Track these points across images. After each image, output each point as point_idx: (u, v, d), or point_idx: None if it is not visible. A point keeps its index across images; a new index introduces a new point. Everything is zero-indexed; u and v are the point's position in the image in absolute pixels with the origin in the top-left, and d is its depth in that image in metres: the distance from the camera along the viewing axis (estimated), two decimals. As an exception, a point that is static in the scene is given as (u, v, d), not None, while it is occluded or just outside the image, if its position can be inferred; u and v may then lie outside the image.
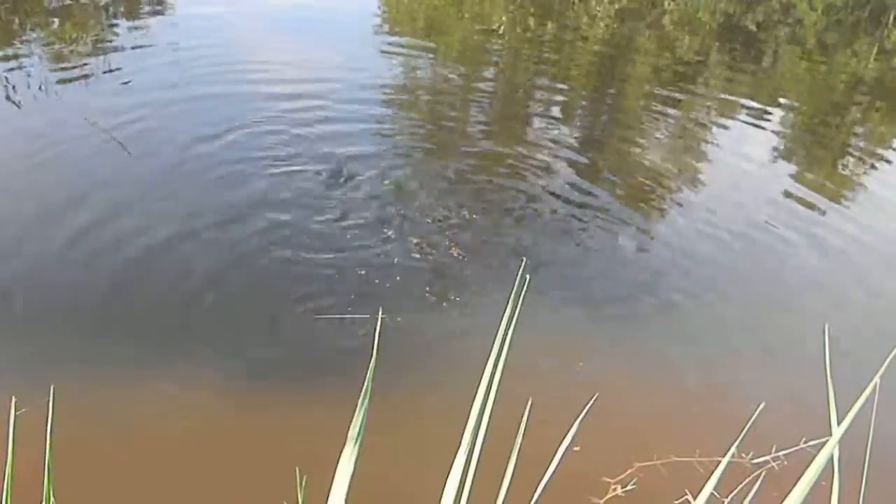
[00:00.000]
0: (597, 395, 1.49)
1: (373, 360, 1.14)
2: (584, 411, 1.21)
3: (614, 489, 3.28)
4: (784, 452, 3.36)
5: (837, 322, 4.72)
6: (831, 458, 1.09)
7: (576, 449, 3.33)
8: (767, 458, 3.35)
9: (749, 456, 3.39)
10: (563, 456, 1.18)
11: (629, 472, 3.37)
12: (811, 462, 1.07)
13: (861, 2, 17.26)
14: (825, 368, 1.29)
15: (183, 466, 3.32)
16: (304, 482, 1.49)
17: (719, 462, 3.24)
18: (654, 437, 3.63)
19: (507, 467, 1.17)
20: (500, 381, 1.15)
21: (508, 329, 1.12)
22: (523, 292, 1.08)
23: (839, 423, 1.16)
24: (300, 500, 1.53)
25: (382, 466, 2.82)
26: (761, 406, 1.28)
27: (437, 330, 4.35)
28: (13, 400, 1.26)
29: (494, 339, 1.14)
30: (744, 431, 1.16)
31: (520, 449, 1.16)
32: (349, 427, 1.18)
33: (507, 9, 14.20)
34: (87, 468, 3.15)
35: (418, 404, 3.80)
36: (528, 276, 1.08)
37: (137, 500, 3.13)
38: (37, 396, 1.89)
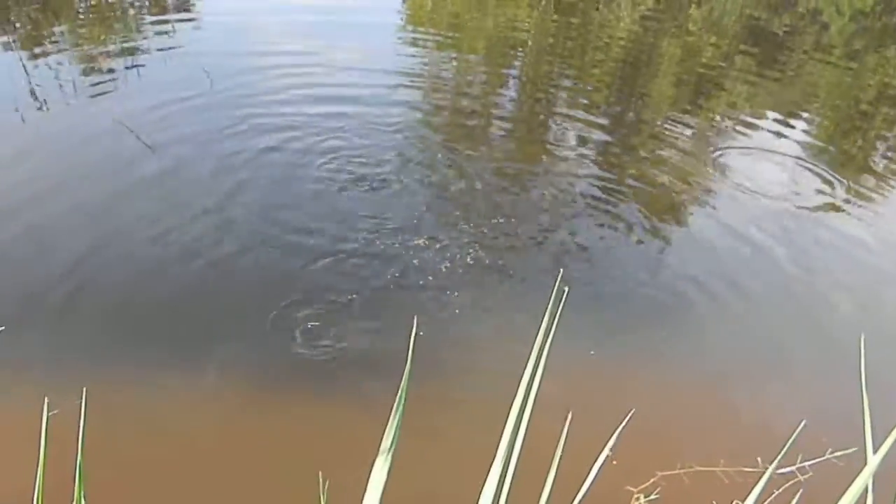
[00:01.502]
0: (633, 410, 1.48)
1: (407, 368, 1.12)
2: (621, 427, 1.20)
3: (637, 498, 3.25)
4: (810, 463, 3.32)
5: (869, 333, 4.65)
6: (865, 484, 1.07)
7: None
8: (793, 468, 3.31)
9: (773, 466, 3.35)
10: (599, 470, 1.17)
11: (652, 480, 3.35)
12: (846, 490, 1.05)
13: (889, 8, 17.07)
14: (860, 381, 1.27)
15: (208, 468, 3.34)
16: (326, 487, 1.49)
17: (742, 472, 3.20)
18: (677, 446, 3.61)
19: (546, 480, 1.16)
20: (537, 392, 1.14)
21: (546, 341, 1.11)
22: (561, 304, 1.07)
23: (874, 438, 1.13)
24: (323, 504, 1.53)
25: (414, 477, 2.82)
26: (802, 424, 1.26)
27: (465, 337, 4.35)
28: (45, 401, 1.27)
29: (531, 348, 1.13)
30: (785, 448, 1.15)
31: (559, 462, 1.15)
32: (382, 436, 1.17)
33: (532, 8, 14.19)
34: (115, 470, 3.18)
35: (450, 413, 3.79)
36: (566, 288, 1.07)
37: (164, 500, 3.16)
38: (68, 398, 1.91)
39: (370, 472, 1.18)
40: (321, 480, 1.59)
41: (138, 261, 4.71)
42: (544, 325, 1.10)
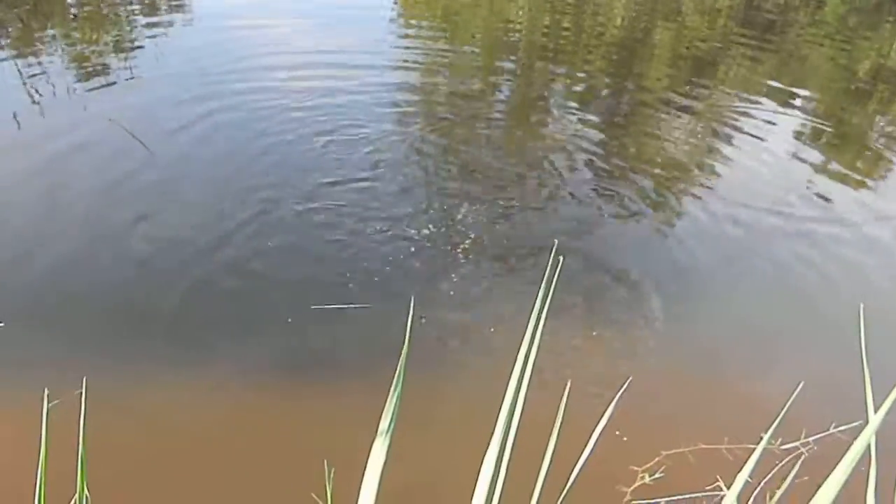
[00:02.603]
0: (630, 378, 1.47)
1: (405, 349, 1.12)
2: (619, 394, 1.20)
3: (642, 477, 3.26)
4: (814, 438, 3.32)
5: (868, 308, 4.64)
6: (867, 444, 1.06)
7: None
8: (797, 443, 3.32)
9: (778, 442, 3.36)
10: (596, 441, 1.17)
11: (656, 460, 3.35)
12: (847, 449, 1.05)
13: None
14: (861, 350, 1.26)
15: (213, 459, 3.34)
16: (332, 475, 1.49)
17: (747, 449, 3.21)
18: (680, 425, 3.61)
19: (545, 454, 1.15)
20: (533, 368, 1.13)
21: (542, 311, 1.11)
22: (557, 273, 1.06)
23: (875, 406, 1.13)
24: (329, 493, 1.53)
25: (415, 456, 2.82)
26: (799, 387, 1.25)
27: (463, 320, 4.34)
28: (45, 392, 1.26)
29: (527, 323, 1.13)
30: (779, 417, 1.14)
31: (558, 436, 1.14)
32: (380, 418, 1.17)
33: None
34: (118, 461, 3.18)
35: (449, 392, 3.80)
36: (561, 258, 1.06)
37: (168, 491, 3.16)
38: (69, 389, 1.90)
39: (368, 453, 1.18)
40: (327, 468, 1.59)
41: (137, 255, 4.70)
42: (540, 295, 1.10)
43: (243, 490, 3.21)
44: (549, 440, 1.14)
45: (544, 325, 1.12)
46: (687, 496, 3.13)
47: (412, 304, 1.09)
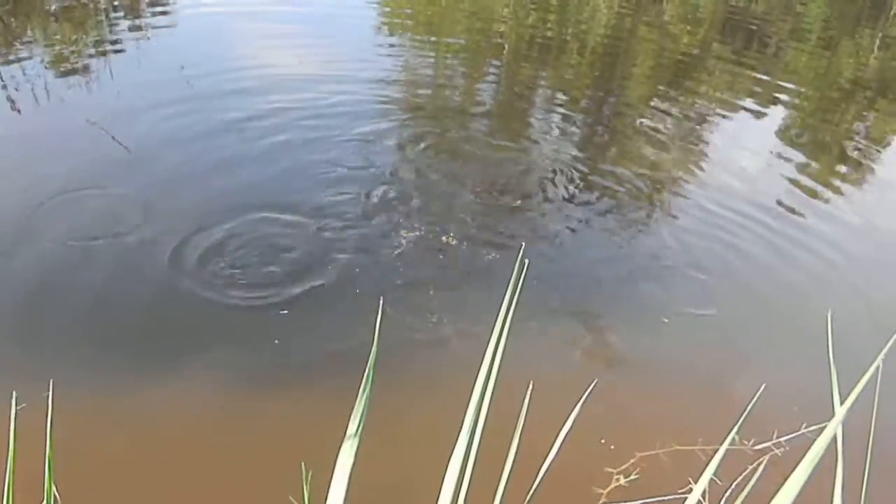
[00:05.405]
0: (595, 380, 1.48)
1: (374, 347, 1.13)
2: (584, 396, 1.21)
3: (617, 479, 3.28)
4: (785, 438, 3.37)
5: (839, 313, 4.70)
6: (834, 440, 1.08)
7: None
8: (769, 444, 3.36)
9: (751, 443, 3.40)
10: (563, 442, 1.18)
11: (631, 461, 3.38)
12: (814, 442, 1.07)
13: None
14: (828, 354, 1.29)
15: (189, 464, 3.32)
16: (309, 477, 1.49)
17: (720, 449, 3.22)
18: (655, 427, 3.63)
19: (507, 453, 1.16)
20: (500, 369, 1.14)
21: (508, 312, 1.12)
22: (523, 275, 1.07)
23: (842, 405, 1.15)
24: (306, 495, 1.53)
25: (384, 456, 2.82)
26: (762, 388, 1.28)
27: (434, 322, 4.35)
28: (14, 395, 1.26)
29: (494, 324, 1.14)
30: (743, 415, 1.16)
31: (521, 436, 1.15)
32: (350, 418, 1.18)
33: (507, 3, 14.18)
34: (92, 464, 3.15)
35: (418, 395, 3.80)
36: (527, 261, 1.07)
37: (144, 497, 3.14)
38: (38, 392, 1.89)
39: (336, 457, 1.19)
40: (304, 471, 1.59)
41: (107, 258, 4.65)
42: (507, 296, 1.11)
43: (221, 494, 3.20)
44: (511, 441, 1.15)
45: (510, 329, 1.13)
46: (659, 498, 3.15)
47: (381, 306, 1.10)
